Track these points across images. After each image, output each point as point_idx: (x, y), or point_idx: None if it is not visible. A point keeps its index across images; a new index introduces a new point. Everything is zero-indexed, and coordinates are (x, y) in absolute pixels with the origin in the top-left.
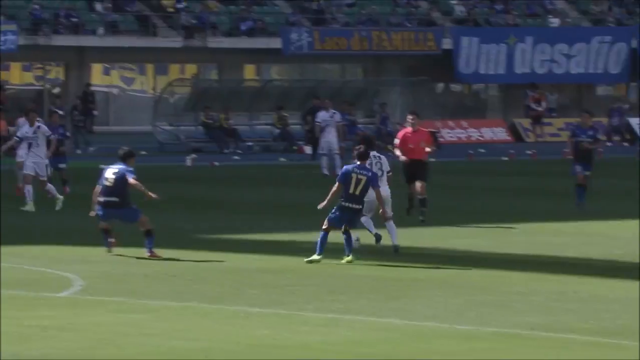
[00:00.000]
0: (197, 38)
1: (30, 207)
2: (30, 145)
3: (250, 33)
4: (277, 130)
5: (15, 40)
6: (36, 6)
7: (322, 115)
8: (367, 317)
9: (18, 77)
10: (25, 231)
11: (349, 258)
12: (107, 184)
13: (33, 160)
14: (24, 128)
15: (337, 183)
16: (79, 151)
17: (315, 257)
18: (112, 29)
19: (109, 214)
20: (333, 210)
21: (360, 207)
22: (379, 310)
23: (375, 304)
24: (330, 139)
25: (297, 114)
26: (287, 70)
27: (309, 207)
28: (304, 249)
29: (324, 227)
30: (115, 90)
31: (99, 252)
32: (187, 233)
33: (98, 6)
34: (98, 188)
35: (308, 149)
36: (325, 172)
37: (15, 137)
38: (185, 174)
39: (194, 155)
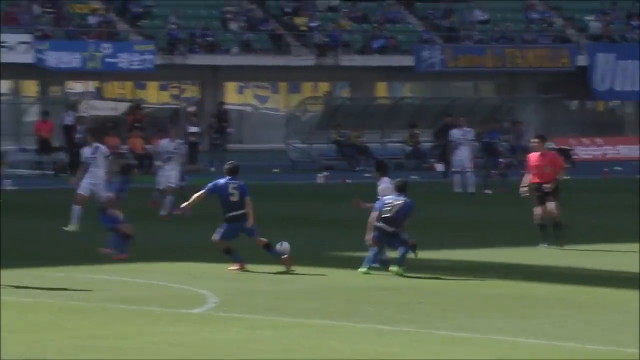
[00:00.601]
0: (330, 56)
1: (74, 227)
2: (88, 167)
3: (383, 51)
4: (409, 148)
5: (153, 59)
6: (173, 26)
7: (454, 133)
8: (500, 336)
9: (155, 96)
10: (160, 248)
11: (396, 269)
12: (233, 199)
13: (90, 181)
14: (84, 150)
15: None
16: (213, 169)
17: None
18: (246, 47)
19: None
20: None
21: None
22: (510, 328)
23: (505, 322)
24: (462, 156)
25: (428, 132)
26: (419, 87)
27: (439, 224)
28: (429, 267)
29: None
30: (248, 109)
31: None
32: (317, 249)
33: (233, 25)
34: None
35: (440, 167)
36: (458, 189)
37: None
38: (316, 191)
39: (325, 173)
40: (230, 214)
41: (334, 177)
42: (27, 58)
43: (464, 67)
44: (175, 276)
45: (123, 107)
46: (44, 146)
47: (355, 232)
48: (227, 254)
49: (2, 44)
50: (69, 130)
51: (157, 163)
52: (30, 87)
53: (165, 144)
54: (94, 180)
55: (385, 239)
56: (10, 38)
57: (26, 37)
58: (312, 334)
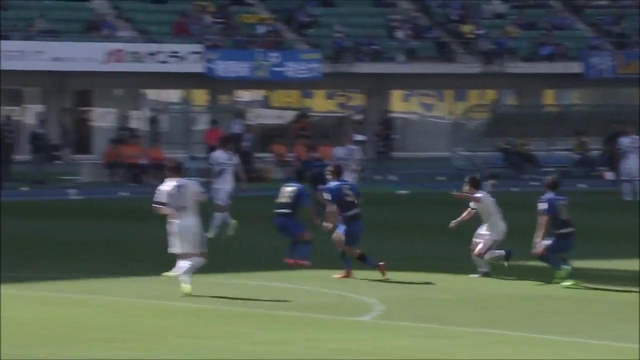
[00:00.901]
0: (496, 64)
1: (211, 235)
2: (221, 172)
3: (550, 58)
4: (577, 156)
5: (319, 68)
6: (339, 35)
7: (623, 141)
8: None
9: (321, 104)
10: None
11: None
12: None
13: (220, 186)
14: (215, 154)
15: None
16: (378, 177)
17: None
18: (412, 55)
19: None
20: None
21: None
22: None
23: None
24: (631, 165)
25: (597, 139)
26: (587, 94)
27: (608, 232)
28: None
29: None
30: (414, 117)
31: (397, 276)
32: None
33: (398, 33)
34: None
35: (609, 175)
36: (628, 198)
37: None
38: None
39: (493, 181)
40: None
41: (500, 186)
42: (198, 67)
43: (635, 73)
44: (342, 284)
45: (289, 115)
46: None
47: (520, 240)
48: (356, 258)
49: (173, 54)
50: (236, 138)
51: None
52: (200, 96)
53: (338, 151)
54: (225, 186)
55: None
56: (181, 48)
57: (197, 47)
58: (478, 343)
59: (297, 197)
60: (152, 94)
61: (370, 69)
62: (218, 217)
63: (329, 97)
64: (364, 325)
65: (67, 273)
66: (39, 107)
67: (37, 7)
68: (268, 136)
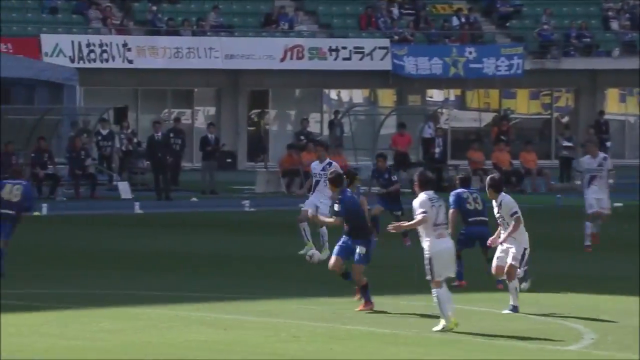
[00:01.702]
0: None
1: (308, 245)
2: (317, 184)
3: None
4: None
5: (521, 64)
6: (545, 26)
7: None
8: None
9: (524, 105)
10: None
11: None
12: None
13: (317, 199)
14: (314, 166)
15: None
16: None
17: None
18: (630, 49)
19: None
20: None
21: None
22: None
23: None
24: None
25: None
26: None
27: None
28: None
29: None
30: (632, 119)
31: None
32: None
33: (614, 24)
34: None
35: None
36: None
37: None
38: None
39: None
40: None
41: None
42: (385, 65)
43: None
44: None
45: (487, 117)
46: (401, 161)
47: None
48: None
49: (358, 50)
50: (427, 143)
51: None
52: (387, 97)
53: (586, 160)
54: (322, 198)
55: None
56: (366, 43)
57: (384, 42)
58: None
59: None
60: (333, 94)
61: (581, 64)
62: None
63: (533, 97)
64: (574, 356)
65: (243, 292)
66: (210, 110)
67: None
68: (463, 141)
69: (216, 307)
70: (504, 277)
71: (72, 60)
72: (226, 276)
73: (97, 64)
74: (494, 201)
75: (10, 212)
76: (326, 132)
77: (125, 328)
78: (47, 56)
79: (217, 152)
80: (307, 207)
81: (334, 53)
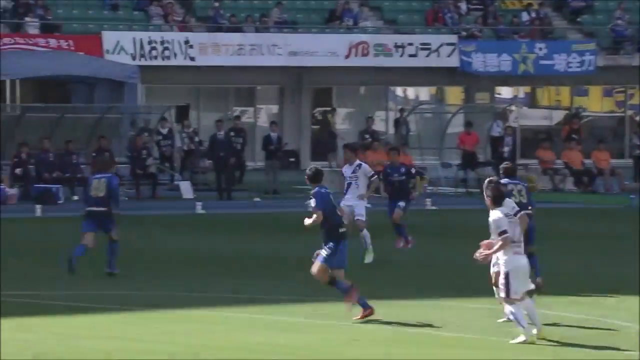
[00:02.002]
0: None
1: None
2: (349, 186)
3: None
4: None
5: (594, 60)
6: (619, 22)
7: None
8: None
9: (597, 103)
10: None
11: None
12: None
13: (347, 202)
14: (344, 169)
15: None
16: None
17: None
18: None
19: None
20: None
21: None
22: None
23: None
24: None
25: None
26: None
27: None
28: None
29: None
30: None
31: None
32: None
33: None
34: None
35: None
36: None
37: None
38: None
39: None
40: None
41: None
42: (452, 61)
43: None
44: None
45: (558, 116)
46: (469, 161)
47: None
48: None
49: (424, 47)
50: (496, 142)
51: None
52: (454, 94)
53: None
54: (351, 201)
55: None
56: (433, 39)
57: (451, 38)
58: None
59: None
60: (399, 91)
61: None
62: None
63: (606, 94)
64: None
65: (303, 294)
66: (273, 108)
67: None
68: (533, 140)
69: (278, 309)
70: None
71: (134, 58)
72: (286, 278)
73: (159, 62)
74: None
75: (99, 209)
76: (391, 130)
77: (190, 330)
78: (109, 53)
79: (279, 152)
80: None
81: (399, 49)
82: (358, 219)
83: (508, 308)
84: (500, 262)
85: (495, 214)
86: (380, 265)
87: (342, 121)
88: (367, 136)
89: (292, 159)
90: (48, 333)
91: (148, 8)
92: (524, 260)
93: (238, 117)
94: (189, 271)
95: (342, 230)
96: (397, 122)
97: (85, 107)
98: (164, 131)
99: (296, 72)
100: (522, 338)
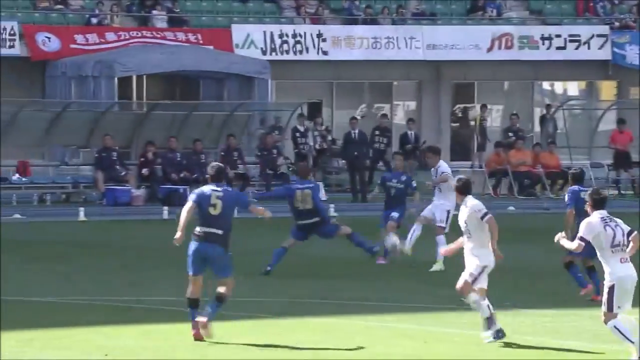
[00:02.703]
0: None
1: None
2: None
3: None
4: None
5: None
6: None
7: None
8: None
9: None
10: None
11: None
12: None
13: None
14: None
15: None
16: None
17: None
18: None
19: None
20: None
21: None
22: None
23: None
24: None
25: None
26: None
27: None
28: None
29: None
30: None
31: None
32: None
33: None
34: None
35: None
36: None
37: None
38: None
39: None
40: None
41: None
42: (604, 54)
43: None
44: None
45: None
46: (621, 160)
47: None
48: None
49: (573, 39)
50: None
51: None
52: (607, 89)
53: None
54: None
55: None
56: (583, 31)
57: (602, 30)
58: None
59: None
60: (546, 86)
61: None
62: None
63: None
64: None
65: (440, 302)
66: (410, 104)
67: None
68: None
69: (414, 317)
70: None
71: (264, 52)
72: (423, 283)
73: (290, 56)
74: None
75: (311, 220)
76: (537, 128)
77: (321, 340)
78: (238, 48)
79: (417, 151)
80: (425, 214)
81: (546, 42)
82: (438, 226)
83: (609, 324)
84: (606, 273)
85: (590, 218)
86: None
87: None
88: (510, 134)
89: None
90: (177, 340)
91: (279, 0)
92: (631, 271)
93: (385, 115)
94: (316, 277)
95: None
96: (544, 119)
97: (215, 104)
98: (302, 129)
99: (435, 66)
100: (635, 355)
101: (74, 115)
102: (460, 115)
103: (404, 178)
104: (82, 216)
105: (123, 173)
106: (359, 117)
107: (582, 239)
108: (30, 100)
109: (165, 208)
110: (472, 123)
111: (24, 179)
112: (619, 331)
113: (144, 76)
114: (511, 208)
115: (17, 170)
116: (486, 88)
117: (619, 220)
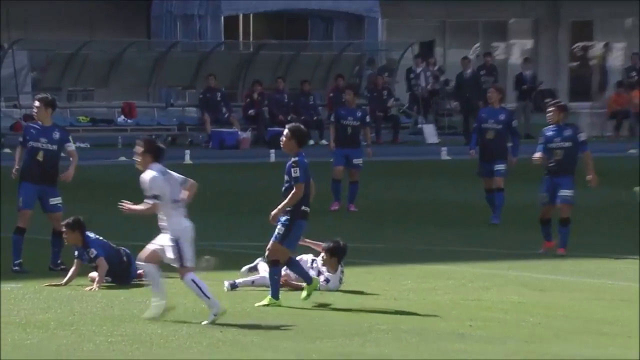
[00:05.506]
0: None
1: None
2: None
3: None
4: None
5: None
6: None
7: None
8: None
9: None
10: None
11: None
12: None
13: None
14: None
15: None
16: None
17: None
18: None
19: None
20: None
21: None
22: None
23: None
24: None
25: None
26: None
27: None
28: None
29: None
30: None
31: None
32: None
33: None
34: None
35: None
36: None
37: None
38: None
39: None
40: None
41: None
42: None
43: None
44: None
45: None
46: None
47: None
48: None
49: None
50: None
51: None
52: None
53: None
54: None
55: None
56: None
57: None
58: None
59: None
60: None
61: None
62: None
63: None
64: None
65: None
66: (527, 43)
67: None
68: None
69: (531, 265)
70: None
71: None
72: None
73: None
74: None
75: None
76: None
77: (435, 287)
78: None
79: (534, 92)
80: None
81: None
82: None
83: None
84: None
85: None
86: None
87: (605, 58)
88: (633, 73)
89: (548, 100)
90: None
91: None
92: None
93: (489, 54)
94: (425, 223)
95: None
96: None
97: (323, 43)
98: (418, 70)
99: (553, 4)
100: None
101: (179, 55)
102: (579, 54)
103: (359, 114)
104: (187, 159)
105: (226, 115)
106: (471, 57)
107: None
108: (135, 40)
109: (272, 151)
110: (592, 62)
111: (129, 121)
112: None
113: (251, 15)
114: (632, 151)
115: (122, 112)
116: (606, 26)
117: None
